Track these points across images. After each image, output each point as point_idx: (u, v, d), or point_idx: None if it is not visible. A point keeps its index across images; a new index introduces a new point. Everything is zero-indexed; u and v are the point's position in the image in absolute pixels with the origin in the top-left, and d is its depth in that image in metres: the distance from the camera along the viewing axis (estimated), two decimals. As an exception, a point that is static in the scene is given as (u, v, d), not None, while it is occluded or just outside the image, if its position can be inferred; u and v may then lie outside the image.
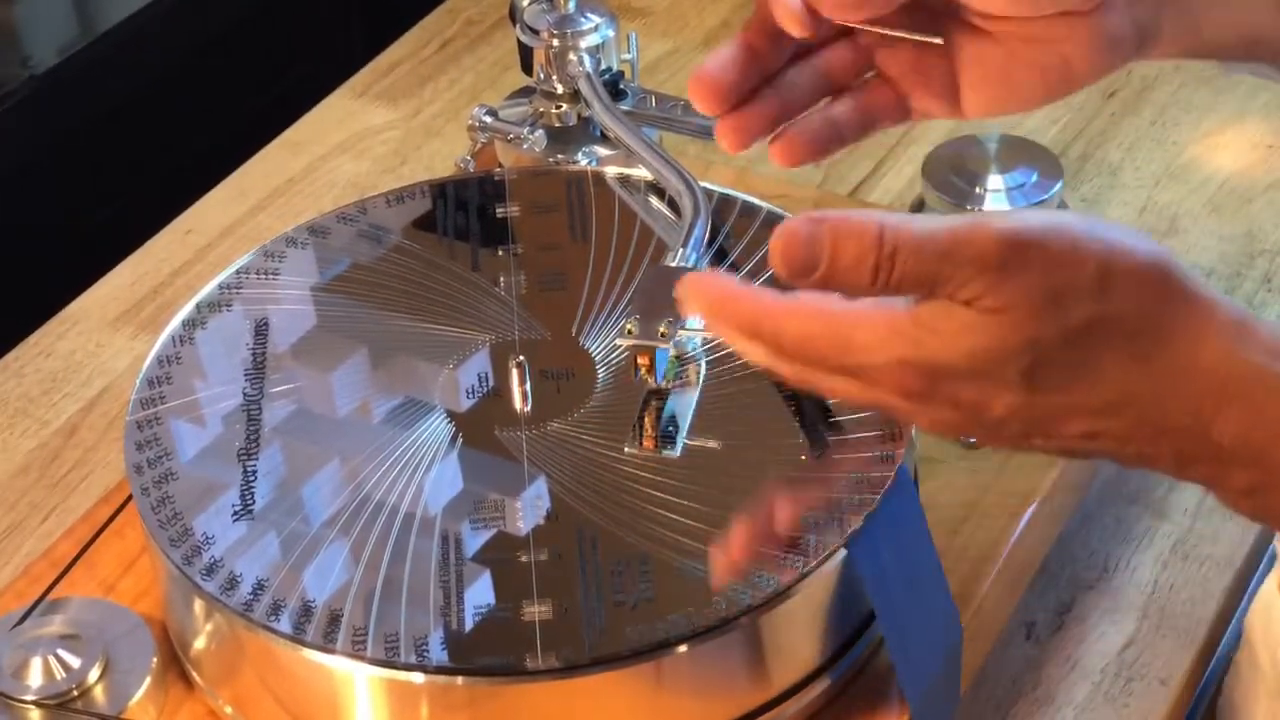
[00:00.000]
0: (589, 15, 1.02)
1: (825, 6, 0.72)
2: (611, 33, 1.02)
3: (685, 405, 0.83)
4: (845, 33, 0.75)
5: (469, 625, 0.75)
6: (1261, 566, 0.95)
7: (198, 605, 0.78)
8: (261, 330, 0.89)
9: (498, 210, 0.95)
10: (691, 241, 0.88)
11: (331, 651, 0.74)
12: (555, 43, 1.02)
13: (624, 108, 1.02)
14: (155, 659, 0.81)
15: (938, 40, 0.73)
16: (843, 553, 0.77)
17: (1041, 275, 0.62)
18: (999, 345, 0.63)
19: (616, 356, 0.86)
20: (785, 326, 0.66)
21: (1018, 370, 0.63)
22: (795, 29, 0.72)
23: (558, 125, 1.03)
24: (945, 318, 0.64)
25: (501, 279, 0.91)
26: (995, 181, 1.07)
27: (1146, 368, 0.63)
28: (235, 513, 0.80)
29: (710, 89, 0.74)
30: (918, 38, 0.73)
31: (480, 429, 0.83)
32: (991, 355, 0.63)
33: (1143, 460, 0.65)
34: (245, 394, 0.85)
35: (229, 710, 0.80)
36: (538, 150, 1.01)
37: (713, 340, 0.86)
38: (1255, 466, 0.64)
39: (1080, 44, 0.73)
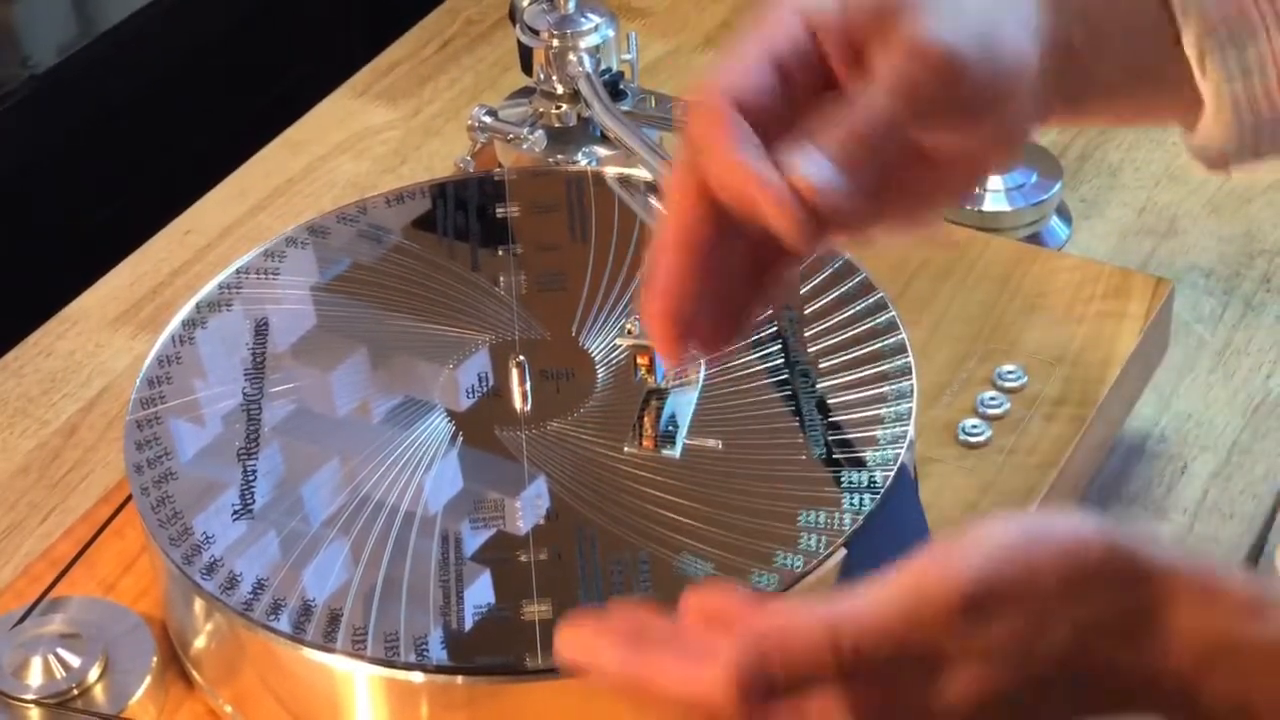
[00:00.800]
0: (589, 15, 1.02)
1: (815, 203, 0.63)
2: (611, 33, 1.03)
3: (685, 405, 0.83)
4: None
5: (469, 624, 0.75)
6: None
7: (198, 604, 0.78)
8: (261, 330, 0.89)
9: (497, 210, 0.96)
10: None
11: (331, 651, 0.74)
12: (555, 43, 1.02)
13: (624, 108, 1.02)
14: (155, 658, 0.81)
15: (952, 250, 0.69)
16: (842, 552, 0.77)
17: (1010, 618, 0.59)
18: (999, 691, 0.59)
19: (616, 356, 0.86)
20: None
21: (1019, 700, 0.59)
22: (796, 239, 0.63)
23: (557, 125, 1.03)
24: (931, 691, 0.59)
25: (501, 279, 0.91)
26: (995, 182, 1.07)
27: (1130, 655, 0.59)
28: (235, 512, 0.80)
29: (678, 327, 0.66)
30: (942, 244, 0.69)
31: (480, 429, 0.83)
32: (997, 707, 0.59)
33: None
34: (245, 394, 0.86)
35: (229, 709, 0.80)
36: (537, 150, 1.01)
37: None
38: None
39: (1001, 152, 0.68)
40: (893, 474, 0.79)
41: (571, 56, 1.01)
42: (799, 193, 0.62)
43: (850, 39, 0.65)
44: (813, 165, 0.62)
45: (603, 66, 1.02)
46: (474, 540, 0.78)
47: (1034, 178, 1.07)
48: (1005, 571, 0.59)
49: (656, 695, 0.60)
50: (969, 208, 1.07)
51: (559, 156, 1.02)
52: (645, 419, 0.83)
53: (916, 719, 0.60)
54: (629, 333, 0.81)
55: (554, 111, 1.03)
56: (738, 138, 0.63)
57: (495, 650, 0.74)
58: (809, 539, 0.77)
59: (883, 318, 0.87)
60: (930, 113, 0.63)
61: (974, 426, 0.91)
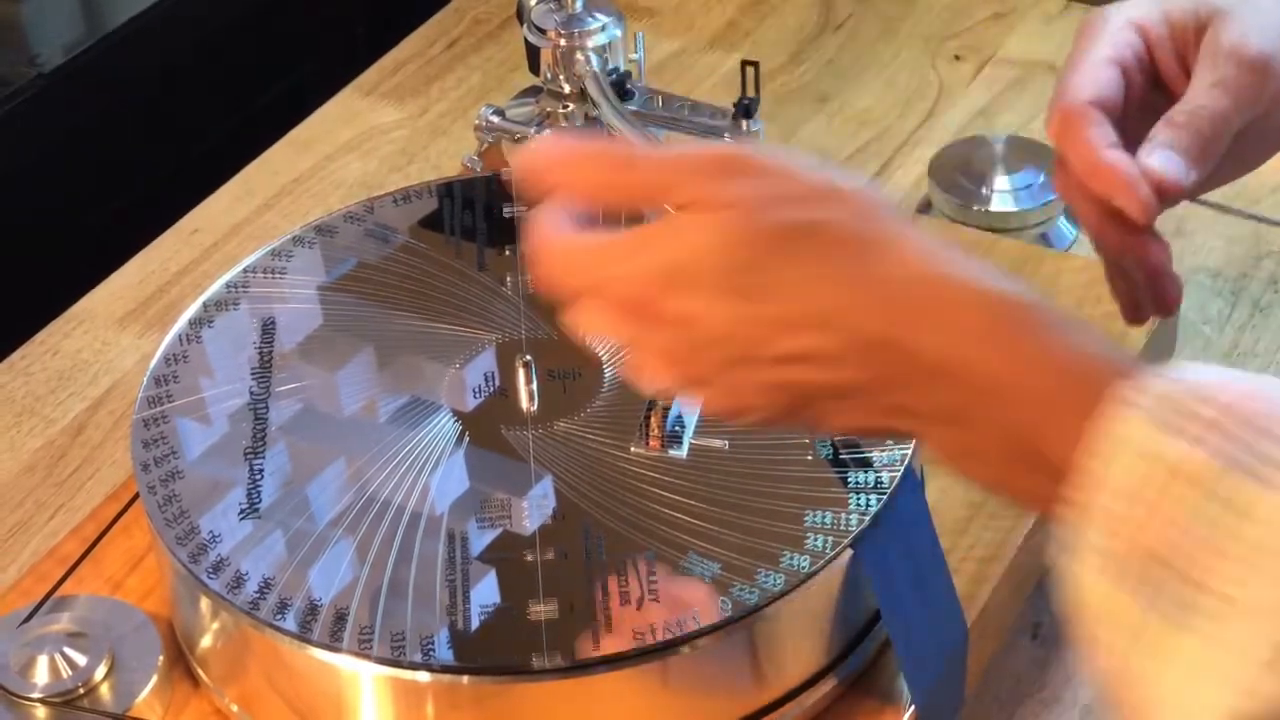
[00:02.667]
0: (596, 15, 1.02)
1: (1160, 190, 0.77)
2: (619, 33, 1.03)
3: (691, 405, 0.83)
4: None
5: (475, 624, 0.75)
6: None
7: (204, 603, 0.78)
8: (268, 329, 0.89)
9: (504, 210, 0.96)
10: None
11: (337, 650, 0.74)
12: (562, 42, 1.02)
13: (631, 108, 1.02)
14: (161, 657, 0.81)
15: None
16: (849, 553, 0.77)
17: (758, 180, 0.64)
18: (715, 242, 0.63)
19: (623, 356, 0.86)
20: (543, 242, 0.67)
21: (729, 270, 0.63)
22: (1139, 215, 0.77)
23: (565, 125, 1.03)
24: (664, 226, 0.65)
25: (508, 278, 0.91)
26: (1001, 182, 1.07)
27: (853, 275, 0.63)
28: (242, 511, 0.80)
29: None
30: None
31: (486, 428, 0.83)
32: (703, 253, 0.63)
33: (851, 391, 0.63)
34: (252, 393, 0.86)
35: (235, 708, 0.80)
36: (544, 150, 1.01)
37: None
38: (957, 385, 0.62)
39: None
40: (899, 474, 0.79)
41: (579, 56, 1.01)
42: (1158, 183, 0.75)
43: (1175, 46, 0.78)
44: (1171, 163, 0.76)
45: (610, 66, 1.02)
46: (480, 540, 0.78)
47: (1041, 178, 1.07)
48: (771, 157, 0.65)
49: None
50: (976, 208, 1.07)
51: (566, 156, 1.02)
52: (652, 419, 0.83)
53: (664, 332, 0.64)
54: (635, 332, 0.81)
55: (561, 111, 1.03)
56: (1102, 136, 0.77)
57: (502, 650, 0.74)
58: (815, 539, 0.77)
59: (889, 318, 0.87)
60: (1251, 105, 0.76)
61: (981, 427, 0.90)
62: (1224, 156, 0.79)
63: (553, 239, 0.67)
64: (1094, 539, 0.58)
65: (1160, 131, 0.77)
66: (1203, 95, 0.76)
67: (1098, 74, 0.78)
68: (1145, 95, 0.79)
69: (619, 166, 0.67)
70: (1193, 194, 0.79)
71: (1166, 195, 0.76)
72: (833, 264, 0.63)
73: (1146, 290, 0.82)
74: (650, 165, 0.66)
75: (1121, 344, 0.66)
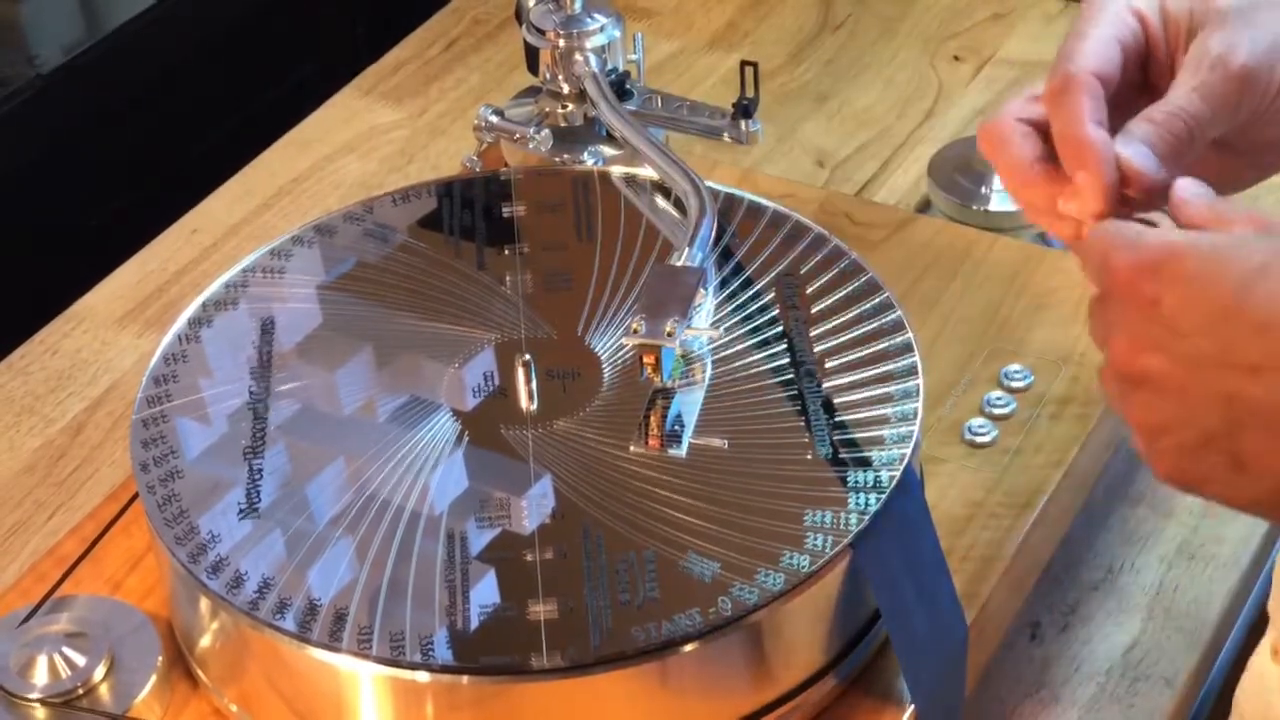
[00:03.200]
0: (595, 16, 1.02)
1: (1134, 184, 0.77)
2: (617, 33, 1.03)
3: (691, 404, 0.83)
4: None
5: (474, 624, 0.75)
6: (1237, 628, 0.94)
7: (203, 603, 0.78)
8: (267, 329, 0.89)
9: (504, 210, 0.96)
10: (697, 241, 0.88)
11: (337, 650, 0.74)
12: (561, 43, 1.02)
13: (630, 108, 1.02)
14: (161, 657, 0.81)
15: None
16: (849, 553, 0.77)
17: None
18: (1246, 242, 0.67)
19: (622, 355, 0.86)
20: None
21: (1243, 271, 0.65)
22: (1092, 197, 0.77)
23: (564, 125, 1.03)
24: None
25: (507, 278, 0.91)
26: (1000, 182, 1.07)
27: None
28: (241, 511, 0.80)
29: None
30: None
31: (486, 428, 0.83)
32: (1232, 247, 0.67)
33: None
34: (251, 392, 0.86)
35: (234, 708, 0.80)
36: (544, 150, 1.01)
37: (718, 340, 0.86)
38: None
39: None
40: (899, 474, 0.79)
41: (578, 56, 1.01)
42: (1127, 171, 0.75)
43: (1167, 40, 0.78)
44: (1144, 157, 0.75)
45: (609, 66, 1.02)
46: (480, 540, 0.78)
47: (1040, 178, 1.07)
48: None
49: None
50: (975, 208, 1.07)
51: (565, 156, 1.02)
52: (651, 418, 0.83)
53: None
54: (635, 332, 0.81)
55: (560, 111, 1.03)
56: (1093, 110, 0.76)
57: (501, 650, 0.74)
58: (815, 539, 0.77)
59: (889, 317, 0.87)
60: (1229, 115, 0.76)
61: (980, 426, 0.91)
62: (1218, 169, 0.79)
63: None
64: None
65: (1137, 126, 0.77)
66: (1182, 98, 0.76)
67: (1103, 49, 0.78)
68: (1134, 80, 0.80)
69: None
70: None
71: (1135, 188, 0.76)
72: None
73: None
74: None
75: None
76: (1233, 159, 0.80)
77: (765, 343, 0.87)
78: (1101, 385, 0.70)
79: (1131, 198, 0.76)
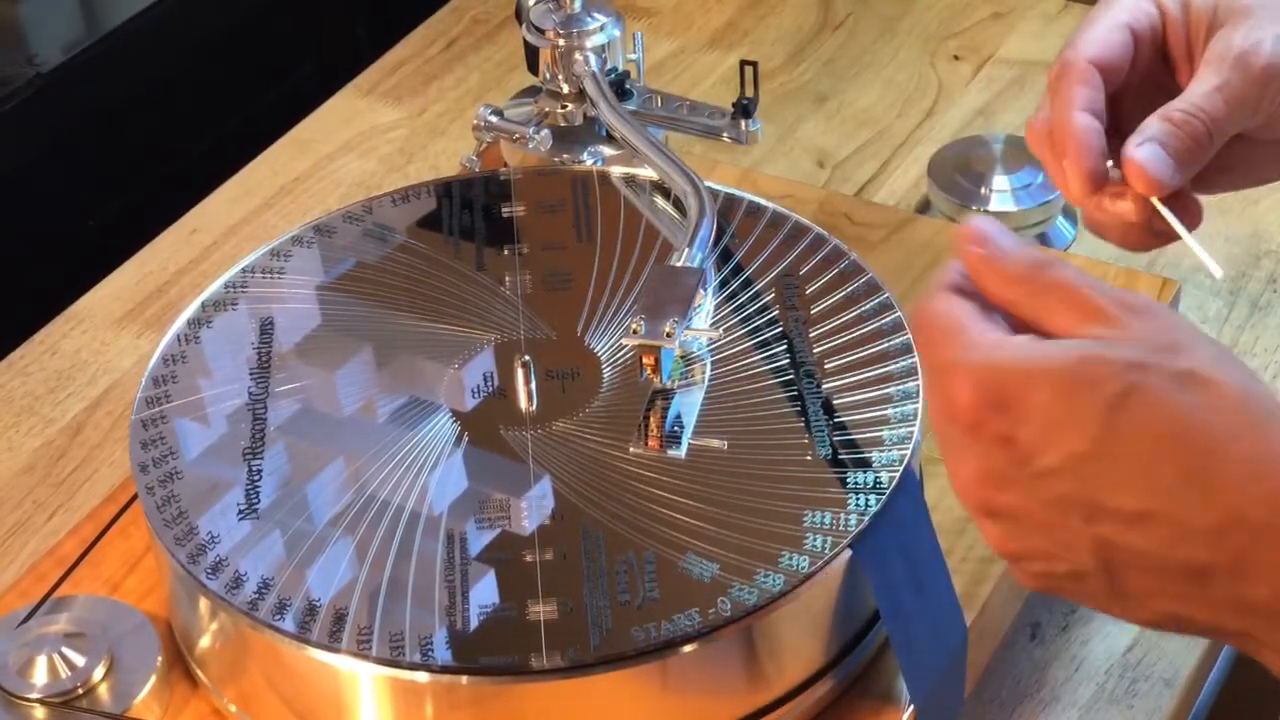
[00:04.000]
0: (595, 15, 1.02)
1: (1140, 185, 0.76)
2: (617, 32, 1.02)
3: (690, 405, 0.83)
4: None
5: (474, 625, 0.75)
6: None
7: (202, 604, 0.78)
8: (267, 329, 0.89)
9: (503, 210, 0.95)
10: (697, 241, 0.88)
11: (336, 651, 0.74)
12: (561, 42, 1.02)
13: (629, 107, 1.02)
14: (160, 658, 0.81)
15: (1218, 273, 0.76)
16: (848, 553, 0.77)
17: (1162, 328, 0.61)
18: (1103, 360, 0.60)
19: (622, 356, 0.86)
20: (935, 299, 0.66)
21: (1104, 403, 0.60)
22: (1077, 182, 0.77)
23: (563, 125, 1.03)
24: (1059, 342, 0.62)
25: (507, 278, 0.91)
26: (1000, 182, 1.07)
27: (1217, 464, 0.59)
28: (240, 511, 0.80)
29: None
30: (1206, 259, 0.76)
31: (485, 428, 0.83)
32: (1089, 367, 0.60)
33: (1194, 568, 0.60)
34: (250, 393, 0.85)
35: (234, 709, 0.80)
36: (543, 150, 1.01)
37: (718, 340, 0.86)
38: None
39: None
40: (898, 475, 0.79)
41: (577, 56, 1.01)
42: (1136, 173, 0.74)
43: (1188, 31, 0.77)
44: (1157, 159, 0.75)
45: (608, 66, 1.02)
46: (479, 540, 0.78)
47: (1040, 178, 1.07)
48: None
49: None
50: (975, 208, 1.07)
51: (564, 156, 1.02)
52: (651, 419, 0.83)
53: (997, 450, 0.62)
54: (634, 332, 0.81)
55: (560, 111, 1.03)
56: (1083, 97, 0.76)
57: (500, 650, 0.74)
58: (814, 540, 0.77)
59: (889, 318, 0.87)
60: (1250, 114, 0.75)
61: (980, 427, 0.90)
62: (1233, 165, 0.79)
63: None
64: None
65: (1153, 125, 0.76)
66: (1202, 97, 0.75)
67: (1108, 36, 0.77)
68: (1151, 67, 0.79)
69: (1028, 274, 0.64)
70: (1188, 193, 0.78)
71: (1145, 189, 0.75)
72: (1205, 433, 0.60)
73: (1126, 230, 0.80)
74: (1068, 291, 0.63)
75: None
76: (1259, 151, 0.79)
77: (765, 343, 0.87)
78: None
79: (1144, 198, 0.75)
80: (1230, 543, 0.59)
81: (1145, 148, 0.75)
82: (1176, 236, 0.77)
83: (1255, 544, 0.59)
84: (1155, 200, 0.76)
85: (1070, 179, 0.76)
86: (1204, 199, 1.14)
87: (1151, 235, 0.78)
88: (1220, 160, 0.77)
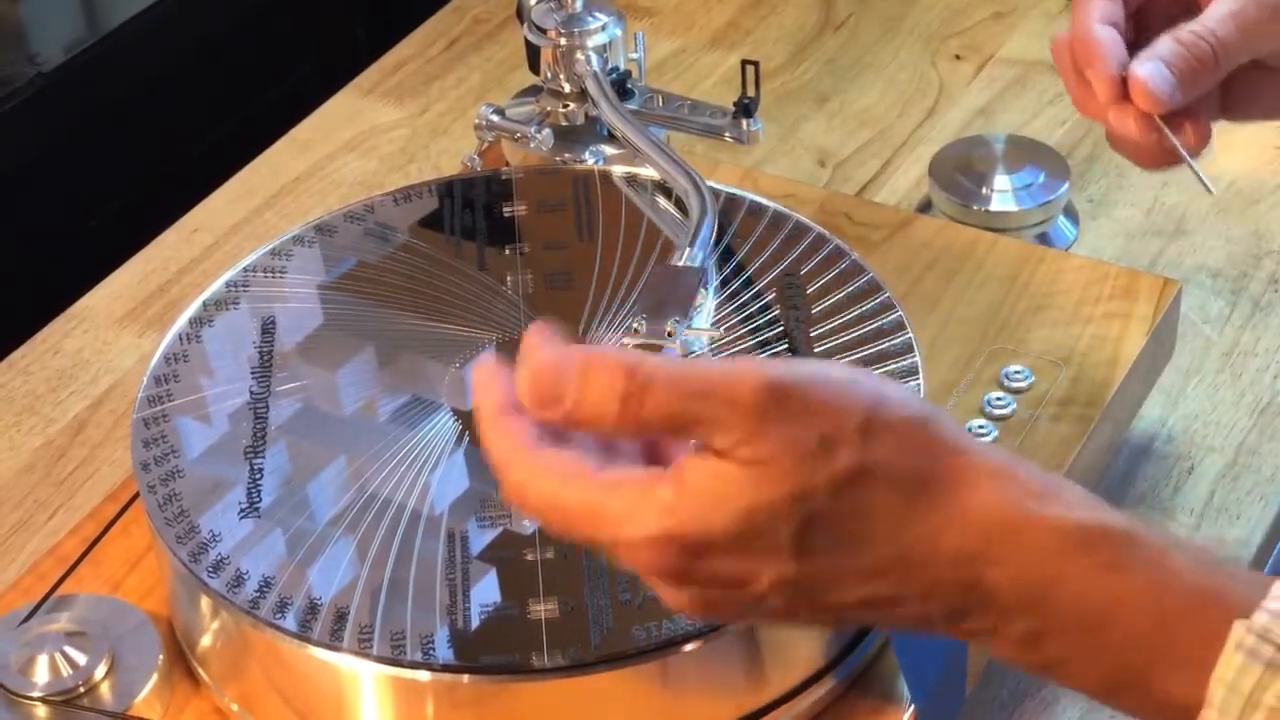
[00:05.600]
0: (596, 14, 1.02)
1: (1140, 101, 0.78)
2: (619, 32, 1.02)
3: None
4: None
5: (475, 623, 0.75)
6: None
7: (204, 603, 0.78)
8: (268, 328, 0.89)
9: (505, 209, 0.96)
10: (698, 241, 0.88)
11: (338, 649, 0.74)
12: (562, 42, 1.02)
13: (631, 107, 1.02)
14: (161, 656, 0.81)
15: (1212, 191, 0.79)
16: (849, 552, 0.77)
17: (804, 424, 0.60)
18: (765, 502, 0.60)
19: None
20: (534, 485, 0.63)
21: (787, 532, 0.60)
22: (1101, 91, 0.79)
23: (565, 124, 1.03)
24: (705, 475, 0.60)
25: (508, 278, 0.91)
26: (1002, 182, 1.07)
27: (912, 520, 0.61)
28: (242, 510, 0.80)
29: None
30: (1202, 179, 0.80)
31: (487, 427, 0.83)
32: (757, 514, 0.60)
33: (917, 621, 0.62)
34: (252, 392, 0.86)
35: (235, 708, 0.80)
36: (545, 149, 1.01)
37: (719, 340, 0.86)
38: (1031, 613, 0.61)
39: None
40: (899, 474, 0.79)
41: (579, 55, 1.01)
42: (1141, 92, 0.77)
43: None
44: (1159, 77, 0.77)
45: (610, 65, 1.02)
46: (480, 539, 0.78)
47: (1041, 178, 1.07)
48: (814, 388, 0.60)
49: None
50: (976, 208, 1.07)
51: (566, 155, 1.02)
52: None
53: (715, 590, 0.62)
54: (635, 332, 0.81)
55: (561, 110, 1.03)
56: (1104, 11, 0.79)
57: (502, 649, 0.74)
58: (815, 539, 0.77)
59: (890, 318, 0.87)
60: (1261, 42, 0.78)
61: (980, 427, 0.90)
62: (1257, 94, 0.82)
63: (534, 477, 0.62)
64: None
65: (1162, 44, 0.78)
66: (1216, 21, 0.77)
67: None
68: None
69: (630, 394, 0.61)
70: (1202, 117, 0.81)
71: (1146, 106, 0.78)
72: (891, 512, 0.60)
73: (1143, 148, 0.82)
74: (672, 394, 0.61)
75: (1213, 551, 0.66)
76: (1274, 79, 0.81)
77: (765, 343, 0.87)
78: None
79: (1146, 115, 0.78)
80: (940, 595, 0.61)
81: (1149, 65, 0.77)
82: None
83: (959, 594, 0.61)
84: (1157, 118, 0.79)
85: (1095, 86, 0.78)
86: (1204, 199, 1.14)
87: (1163, 153, 0.81)
88: (1244, 88, 0.80)
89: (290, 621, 0.75)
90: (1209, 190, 0.79)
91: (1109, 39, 0.78)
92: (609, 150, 1.02)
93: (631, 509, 0.61)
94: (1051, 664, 0.62)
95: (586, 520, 0.62)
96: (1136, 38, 0.81)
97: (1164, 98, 0.77)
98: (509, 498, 0.64)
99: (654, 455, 0.66)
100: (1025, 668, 0.63)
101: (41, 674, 0.79)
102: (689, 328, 0.82)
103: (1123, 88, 0.78)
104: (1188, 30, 0.78)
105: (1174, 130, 0.79)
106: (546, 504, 0.63)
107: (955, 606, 0.62)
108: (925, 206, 1.10)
